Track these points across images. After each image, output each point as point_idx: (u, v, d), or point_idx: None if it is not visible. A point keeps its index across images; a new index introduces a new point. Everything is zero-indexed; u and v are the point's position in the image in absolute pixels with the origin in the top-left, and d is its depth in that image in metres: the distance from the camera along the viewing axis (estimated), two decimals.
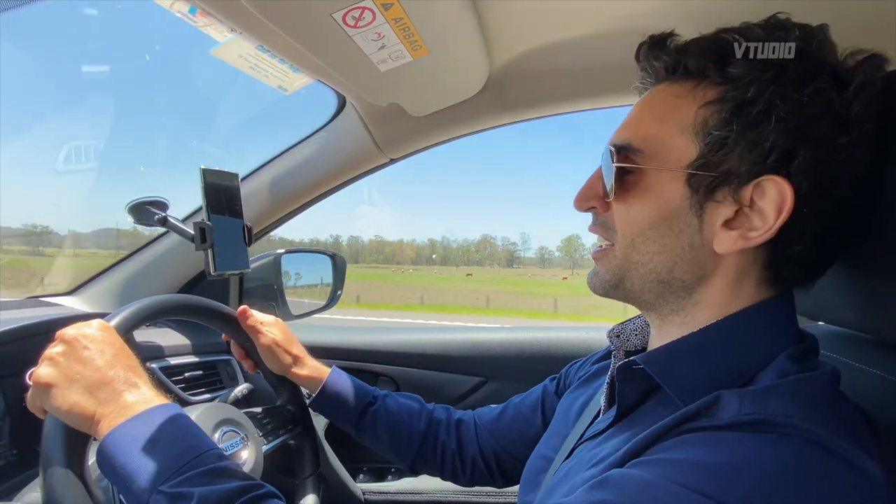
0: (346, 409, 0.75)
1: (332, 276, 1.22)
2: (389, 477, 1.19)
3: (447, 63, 0.76)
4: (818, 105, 0.39)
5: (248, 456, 0.67)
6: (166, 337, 0.98)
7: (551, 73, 0.88)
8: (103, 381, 0.51)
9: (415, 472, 0.80)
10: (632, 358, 0.46)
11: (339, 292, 1.23)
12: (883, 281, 0.45)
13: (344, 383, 0.76)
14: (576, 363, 0.72)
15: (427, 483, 1.12)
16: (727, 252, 0.42)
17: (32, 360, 0.54)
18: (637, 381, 0.46)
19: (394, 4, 0.57)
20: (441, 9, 0.63)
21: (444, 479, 0.77)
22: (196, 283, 1.10)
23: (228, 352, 0.99)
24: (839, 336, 0.58)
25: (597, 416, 0.53)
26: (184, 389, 0.92)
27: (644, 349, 0.54)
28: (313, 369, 0.76)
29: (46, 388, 0.51)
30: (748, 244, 0.41)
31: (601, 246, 0.49)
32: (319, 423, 1.09)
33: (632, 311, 0.53)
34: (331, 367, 0.78)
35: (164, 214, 0.84)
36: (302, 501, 0.79)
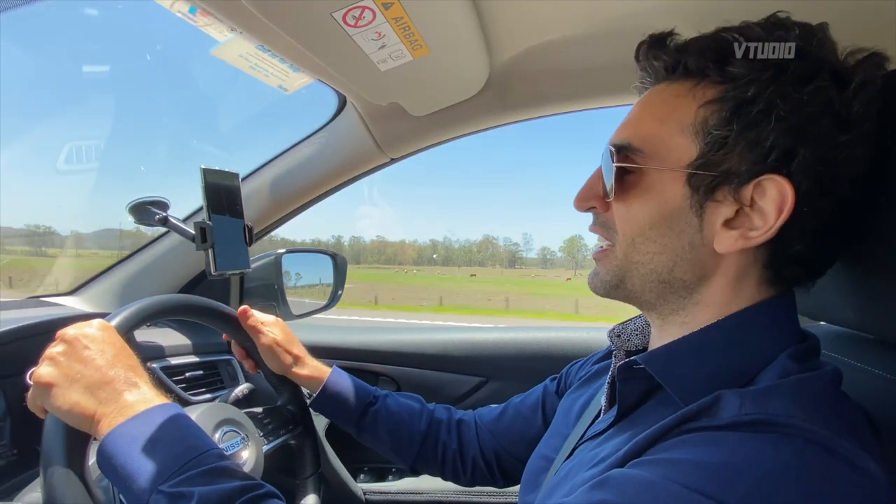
0: (347, 408, 0.75)
1: (332, 276, 1.22)
2: (390, 477, 1.19)
3: (447, 62, 0.76)
4: (818, 104, 0.39)
5: (248, 456, 0.67)
6: (167, 337, 0.98)
7: (552, 72, 0.88)
8: (104, 380, 0.51)
9: (415, 472, 0.80)
10: (632, 358, 0.46)
11: (339, 292, 1.22)
12: (883, 280, 0.45)
13: (345, 383, 0.76)
14: (576, 363, 0.71)
15: (428, 483, 1.12)
16: (728, 252, 0.42)
17: (33, 360, 0.55)
18: (638, 380, 0.45)
19: (394, 4, 0.57)
20: (441, 8, 0.63)
21: (444, 479, 0.77)
22: (197, 283, 1.11)
23: (229, 352, 0.99)
24: (841, 336, 0.58)
25: (597, 416, 0.53)
26: (184, 389, 0.92)
27: (645, 349, 0.54)
28: (314, 369, 0.76)
29: (47, 387, 0.51)
30: (749, 244, 0.41)
31: (602, 246, 0.49)
32: (320, 423, 1.09)
33: None
34: (331, 366, 0.78)
35: (164, 214, 0.84)
36: (303, 501, 0.79)
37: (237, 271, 0.85)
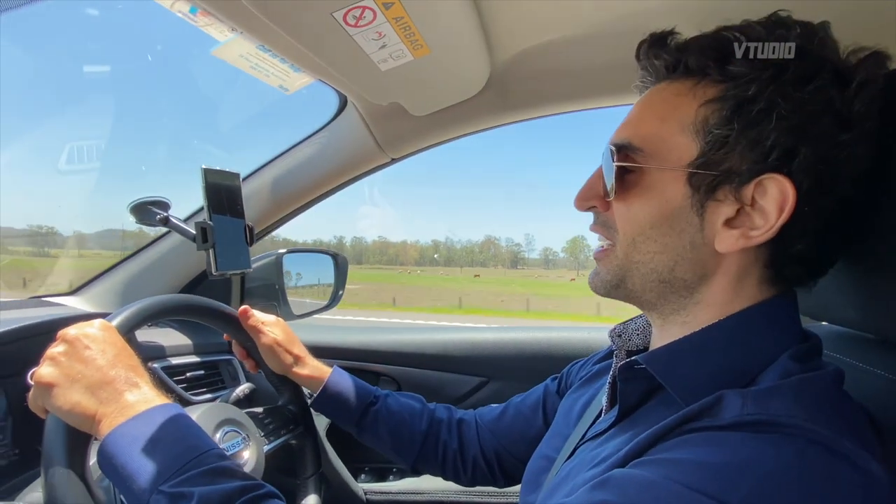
0: (348, 408, 0.75)
1: (333, 276, 1.22)
2: (391, 477, 1.19)
3: (448, 62, 0.76)
4: (819, 103, 0.39)
5: (249, 456, 0.67)
6: (168, 337, 0.98)
7: (552, 72, 0.88)
8: (104, 380, 0.51)
9: (416, 472, 0.80)
10: (633, 358, 0.46)
11: (340, 292, 1.23)
12: (885, 279, 0.45)
13: (345, 383, 0.76)
14: (577, 363, 0.71)
15: (429, 483, 1.12)
16: (729, 251, 0.42)
17: (34, 360, 0.55)
18: (639, 380, 0.45)
19: (394, 3, 0.57)
20: (442, 8, 0.63)
21: (445, 478, 0.77)
22: (198, 283, 1.11)
23: (230, 352, 0.99)
24: (842, 336, 0.58)
25: (598, 416, 0.53)
26: (185, 389, 0.92)
27: (646, 349, 0.54)
28: (314, 369, 0.76)
29: (48, 387, 0.51)
30: (750, 243, 0.41)
31: (602, 246, 0.49)
32: (321, 423, 1.09)
33: None
34: (332, 366, 0.78)
35: (165, 214, 0.85)
36: (303, 501, 0.79)
37: (238, 271, 0.85)
